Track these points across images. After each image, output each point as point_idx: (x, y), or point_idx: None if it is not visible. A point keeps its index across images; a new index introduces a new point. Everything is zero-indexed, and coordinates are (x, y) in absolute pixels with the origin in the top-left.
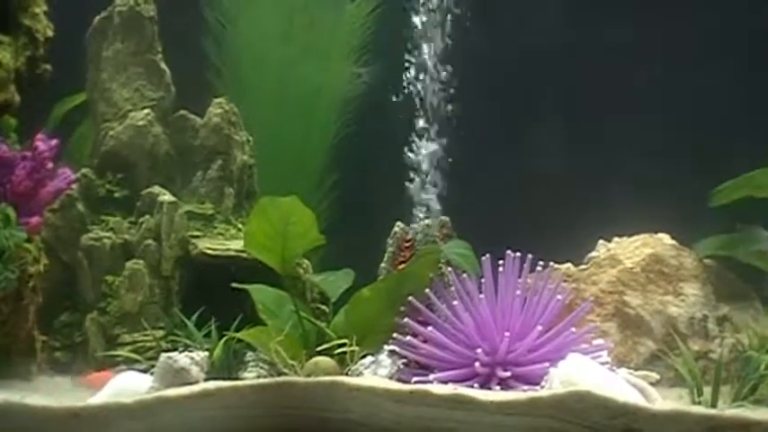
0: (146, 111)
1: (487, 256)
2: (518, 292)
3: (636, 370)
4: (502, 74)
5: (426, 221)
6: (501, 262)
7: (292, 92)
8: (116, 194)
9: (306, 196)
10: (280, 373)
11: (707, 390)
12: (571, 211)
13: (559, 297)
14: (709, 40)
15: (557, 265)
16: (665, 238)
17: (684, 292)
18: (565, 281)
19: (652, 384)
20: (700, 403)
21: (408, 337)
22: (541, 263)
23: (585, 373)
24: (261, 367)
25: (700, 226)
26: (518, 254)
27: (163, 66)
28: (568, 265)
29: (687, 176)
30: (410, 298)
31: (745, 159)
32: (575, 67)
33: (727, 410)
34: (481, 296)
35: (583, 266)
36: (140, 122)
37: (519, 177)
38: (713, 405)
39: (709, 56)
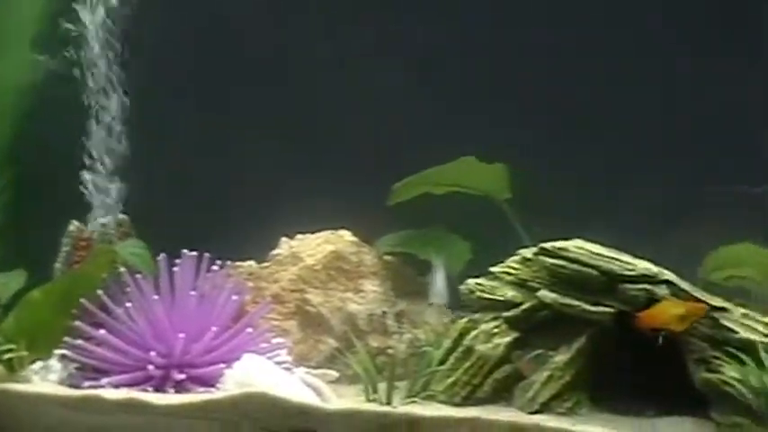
0: None
1: (163, 255)
2: (193, 293)
3: (316, 368)
4: (187, 69)
5: (103, 220)
6: (178, 261)
7: None
8: None
9: None
10: None
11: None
12: (258, 209)
13: (236, 297)
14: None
15: (240, 264)
16: (347, 235)
17: (364, 289)
18: (247, 279)
19: (331, 382)
20: (375, 400)
21: (80, 341)
22: (219, 262)
23: (261, 373)
24: None
25: (383, 222)
26: (194, 253)
27: None
28: (251, 262)
29: (372, 172)
30: (83, 300)
31: (426, 157)
32: (264, 57)
33: (399, 407)
34: (156, 297)
35: (265, 264)
36: None
37: (203, 175)
38: (388, 402)
39: (397, 55)
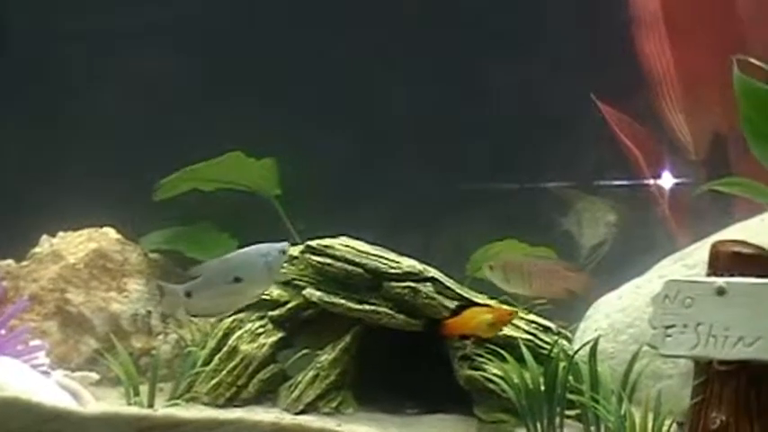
0: None
1: None
2: None
3: (76, 370)
4: None
5: None
6: None
7: None
8: None
9: None
10: None
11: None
12: (19, 206)
13: None
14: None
15: None
16: (111, 232)
17: (128, 288)
18: (3, 279)
19: (93, 385)
20: (136, 403)
21: None
22: None
23: (13, 377)
24: None
25: (151, 219)
26: None
27: None
28: (9, 261)
29: (137, 168)
30: None
31: (193, 152)
32: (26, 47)
33: (159, 410)
34: None
35: (24, 263)
36: None
37: None
38: (150, 405)
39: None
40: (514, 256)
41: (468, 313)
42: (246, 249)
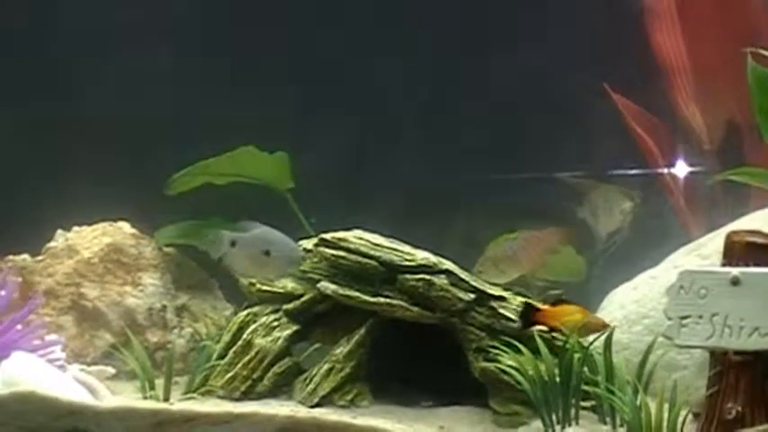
0: None
1: None
2: None
3: (92, 365)
4: None
5: None
6: None
7: None
8: None
9: None
10: None
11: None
12: (35, 201)
13: (2, 292)
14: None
15: (12, 258)
16: (126, 226)
17: (143, 282)
18: (19, 273)
19: (110, 379)
20: (152, 397)
21: None
22: None
23: (30, 371)
24: None
25: (165, 213)
26: None
27: None
28: (24, 256)
29: (152, 162)
30: None
31: (206, 145)
32: (30, 47)
33: (175, 404)
34: None
35: (39, 258)
36: None
37: None
38: (166, 398)
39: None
40: (494, 248)
41: (563, 308)
42: (278, 233)
